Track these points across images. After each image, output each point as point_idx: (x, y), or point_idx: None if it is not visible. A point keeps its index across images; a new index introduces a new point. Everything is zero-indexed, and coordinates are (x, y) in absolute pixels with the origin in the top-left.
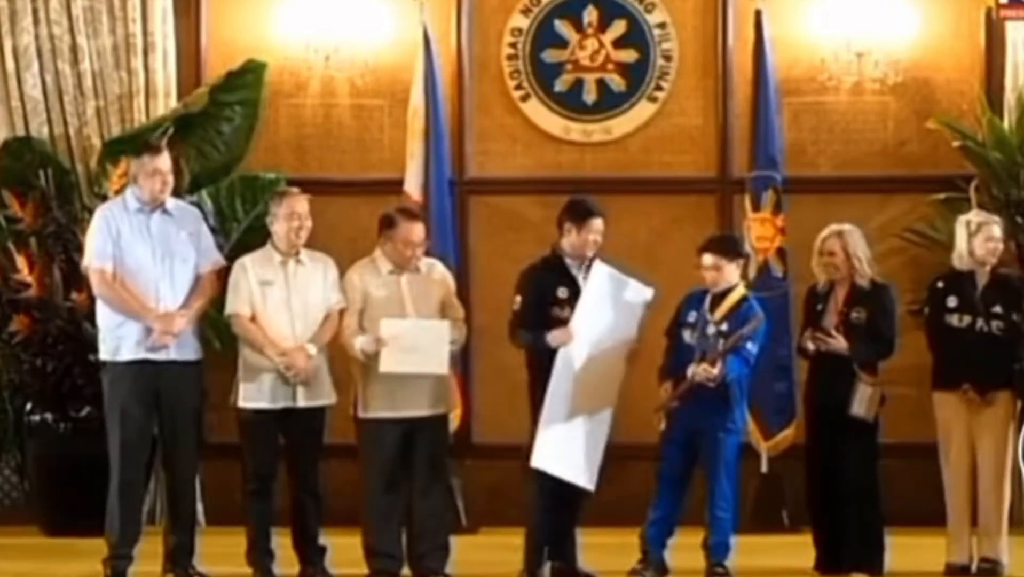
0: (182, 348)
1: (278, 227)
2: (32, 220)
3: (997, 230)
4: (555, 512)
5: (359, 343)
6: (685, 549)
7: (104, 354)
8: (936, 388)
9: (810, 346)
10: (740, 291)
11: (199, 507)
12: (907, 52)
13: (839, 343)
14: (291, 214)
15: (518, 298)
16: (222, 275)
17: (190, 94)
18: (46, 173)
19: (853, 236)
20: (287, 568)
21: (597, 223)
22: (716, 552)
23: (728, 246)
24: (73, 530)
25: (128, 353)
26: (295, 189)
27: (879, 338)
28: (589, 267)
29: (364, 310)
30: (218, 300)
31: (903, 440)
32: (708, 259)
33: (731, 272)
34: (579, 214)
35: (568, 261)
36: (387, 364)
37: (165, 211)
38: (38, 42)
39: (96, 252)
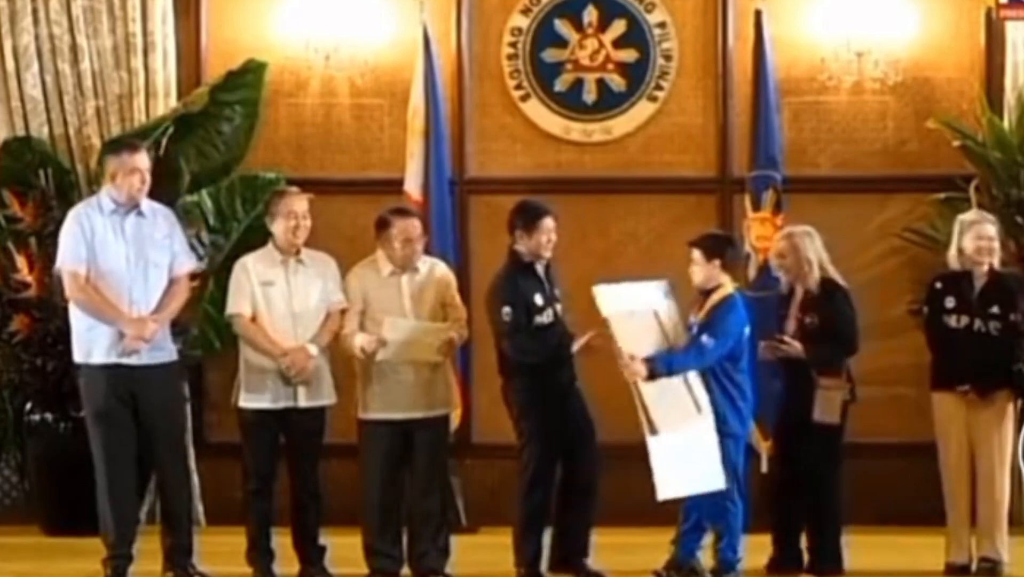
0: (156, 351)
1: (276, 227)
2: (32, 220)
3: (989, 228)
4: (547, 510)
5: (359, 340)
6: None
7: (77, 356)
8: (934, 388)
9: (771, 350)
10: (722, 292)
11: (199, 507)
12: (907, 52)
13: (794, 348)
14: (289, 213)
15: (507, 309)
16: (204, 277)
17: (190, 94)
18: (46, 173)
19: (804, 238)
20: (287, 568)
21: (547, 222)
22: (722, 558)
23: (708, 244)
24: (73, 530)
25: (100, 356)
26: (294, 188)
27: (837, 339)
28: (548, 268)
29: (364, 311)
30: (219, 299)
31: (903, 440)
32: (692, 253)
33: (710, 271)
34: (528, 218)
35: (536, 264)
36: (384, 354)
37: (140, 213)
38: (38, 42)
39: (69, 254)
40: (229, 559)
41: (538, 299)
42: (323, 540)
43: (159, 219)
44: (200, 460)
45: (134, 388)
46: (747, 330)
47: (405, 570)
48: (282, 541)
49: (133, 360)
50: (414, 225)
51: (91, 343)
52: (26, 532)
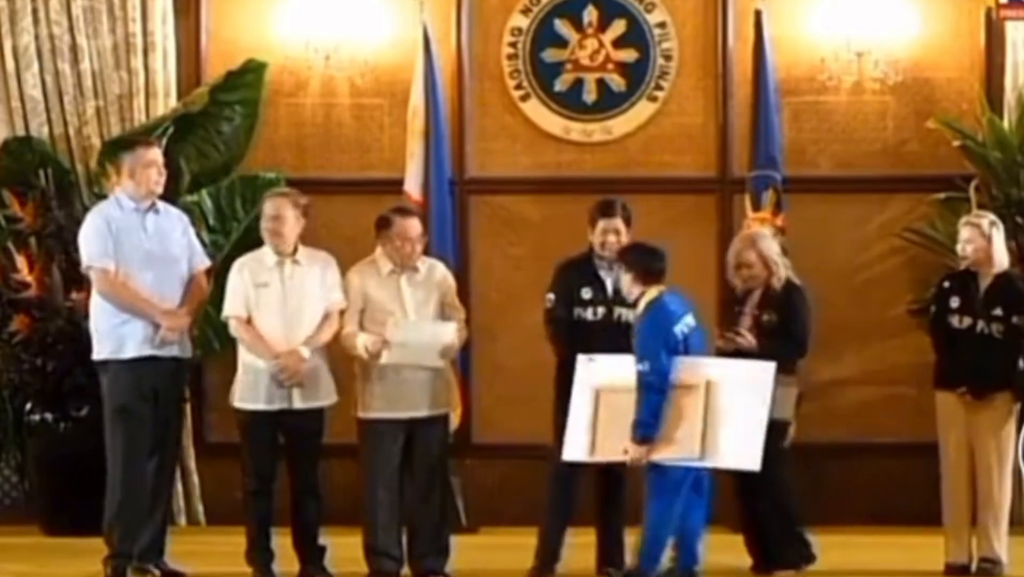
0: (182, 346)
1: (263, 228)
2: (32, 220)
3: (972, 232)
4: (567, 510)
5: (362, 340)
6: None
7: (103, 353)
8: (937, 387)
9: (719, 344)
10: (643, 301)
11: (199, 507)
12: (907, 52)
13: (747, 341)
14: (269, 216)
15: (551, 296)
16: (211, 275)
17: (190, 94)
18: (46, 173)
19: (765, 241)
20: (288, 567)
21: (605, 223)
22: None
23: (623, 253)
24: (73, 530)
25: (133, 350)
26: (281, 189)
27: (790, 337)
28: (615, 266)
29: (364, 310)
30: (217, 299)
31: (903, 440)
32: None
33: (628, 282)
34: (592, 216)
35: (597, 261)
36: (387, 357)
37: (157, 211)
38: (38, 42)
39: (97, 252)
40: (229, 559)
41: (585, 293)
42: (323, 540)
43: (174, 218)
44: (200, 460)
45: (157, 383)
46: (678, 327)
47: (405, 570)
48: (282, 541)
49: (165, 352)
50: (414, 224)
51: (123, 338)
52: (26, 532)
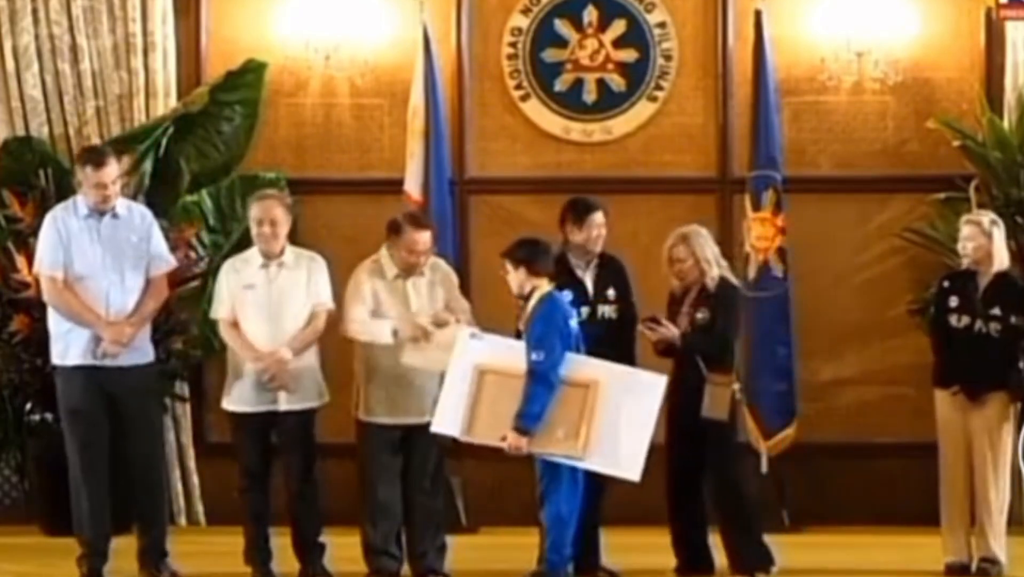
0: (133, 353)
1: (253, 231)
2: (32, 220)
3: (973, 230)
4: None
5: (389, 324)
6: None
7: (55, 358)
8: (936, 387)
9: (646, 332)
10: (537, 295)
11: (199, 507)
12: (907, 52)
13: (669, 331)
14: (260, 220)
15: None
16: (175, 276)
17: (190, 94)
18: (46, 173)
19: (698, 238)
20: (289, 567)
21: (597, 217)
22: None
23: (514, 252)
24: (73, 530)
25: (76, 358)
26: (271, 191)
27: (713, 334)
28: (594, 264)
29: (374, 310)
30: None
31: (903, 440)
32: (505, 264)
33: (520, 278)
34: (578, 213)
35: (573, 261)
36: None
37: (115, 215)
38: (38, 42)
39: (47, 258)
40: (229, 559)
41: (567, 295)
42: (323, 539)
43: (136, 220)
44: (200, 460)
45: (110, 388)
46: (573, 322)
47: (405, 569)
48: (283, 542)
49: (108, 362)
50: (424, 238)
51: (67, 345)
52: (26, 532)
